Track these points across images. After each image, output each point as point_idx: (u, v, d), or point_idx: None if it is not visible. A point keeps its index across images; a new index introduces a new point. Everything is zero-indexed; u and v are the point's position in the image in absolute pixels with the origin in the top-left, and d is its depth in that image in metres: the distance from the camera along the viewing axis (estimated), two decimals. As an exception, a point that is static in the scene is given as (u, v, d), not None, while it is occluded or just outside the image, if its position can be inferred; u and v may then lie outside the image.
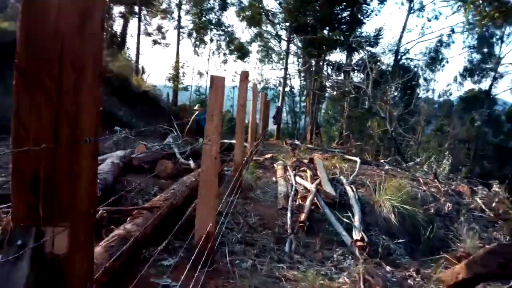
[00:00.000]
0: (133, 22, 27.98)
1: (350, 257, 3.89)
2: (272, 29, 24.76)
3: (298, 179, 6.15)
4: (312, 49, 15.77)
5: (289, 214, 4.68)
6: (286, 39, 18.97)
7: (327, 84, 21.49)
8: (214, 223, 3.07)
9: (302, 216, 4.60)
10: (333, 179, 6.33)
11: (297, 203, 5.17)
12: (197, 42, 27.54)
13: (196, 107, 17.36)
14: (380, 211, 5.05)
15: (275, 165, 7.39)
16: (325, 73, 19.58)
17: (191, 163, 6.06)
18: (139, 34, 20.38)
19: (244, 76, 5.05)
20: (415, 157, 12.20)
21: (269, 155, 8.83)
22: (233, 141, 9.79)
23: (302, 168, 6.95)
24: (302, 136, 22.33)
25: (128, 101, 15.42)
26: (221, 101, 3.08)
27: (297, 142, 12.98)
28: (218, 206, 3.61)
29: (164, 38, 27.01)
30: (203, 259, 2.75)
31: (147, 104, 17.72)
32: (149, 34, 26.72)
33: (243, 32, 44.57)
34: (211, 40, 30.46)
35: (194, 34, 26.94)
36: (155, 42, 27.18)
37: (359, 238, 4.13)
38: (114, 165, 5.20)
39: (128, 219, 3.21)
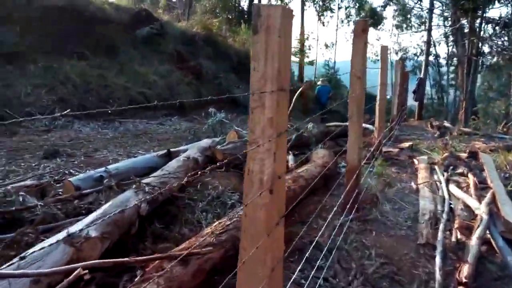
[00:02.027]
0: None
1: None
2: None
3: (453, 188, 3.98)
4: (466, 1, 12.04)
5: (438, 260, 2.73)
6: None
7: (486, 47, 16.97)
8: None
9: (464, 270, 2.58)
10: (516, 191, 3.95)
11: (453, 236, 3.11)
12: (323, 11, 25.16)
13: (319, 82, 15.53)
14: None
15: (415, 160, 5.24)
16: (484, 34, 15.25)
17: (290, 158, 4.44)
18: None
19: (361, 29, 3.15)
20: None
21: (407, 144, 6.61)
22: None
23: (460, 170, 4.66)
24: (451, 115, 18.43)
25: (245, 78, 14.49)
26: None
27: (446, 123, 10.09)
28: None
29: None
30: None
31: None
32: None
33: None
34: (339, 8, 27.78)
35: (320, 2, 24.64)
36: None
37: None
38: (189, 162, 3.96)
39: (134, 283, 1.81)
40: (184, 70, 11.17)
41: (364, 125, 7.68)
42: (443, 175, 4.47)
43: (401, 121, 10.93)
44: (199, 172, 1.64)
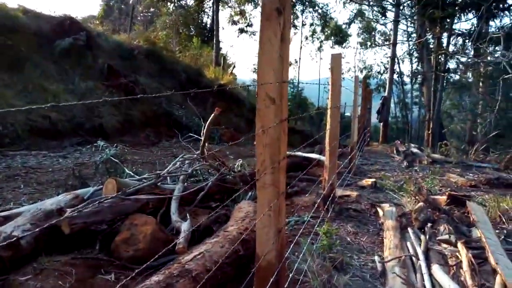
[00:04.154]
0: (223, 13, 25.97)
1: None
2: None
3: (438, 272, 2.53)
4: (434, 10, 11.12)
5: None
6: (393, 4, 14.35)
7: (452, 64, 16.28)
8: None
9: None
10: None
11: None
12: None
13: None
14: None
15: (380, 211, 3.81)
16: (454, 47, 14.48)
17: (185, 225, 2.86)
18: (217, 18, 17.77)
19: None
20: None
21: (369, 181, 5.21)
22: (311, 155, 6.37)
23: (441, 228, 3.24)
24: (416, 134, 17.57)
25: (196, 97, 12.91)
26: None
27: (413, 148, 8.89)
28: None
29: (250, 25, 24.40)
30: None
31: (222, 100, 15.05)
32: (235, 22, 24.40)
33: (340, 13, 40.14)
34: (303, 25, 27.02)
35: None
36: (241, 30, 24.75)
37: None
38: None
39: None
40: (114, 88, 9.45)
41: (312, 155, 6.28)
42: (420, 241, 3.05)
43: (364, 146, 9.67)
44: None
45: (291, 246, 2.75)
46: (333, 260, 2.69)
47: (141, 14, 28.49)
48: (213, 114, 3.34)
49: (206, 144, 3.99)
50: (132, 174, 3.67)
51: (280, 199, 1.88)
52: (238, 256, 2.47)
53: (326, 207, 3.80)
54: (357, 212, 3.90)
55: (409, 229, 3.25)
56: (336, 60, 3.80)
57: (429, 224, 3.37)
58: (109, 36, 12.04)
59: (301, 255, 2.59)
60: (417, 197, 3.98)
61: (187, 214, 2.89)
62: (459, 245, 2.82)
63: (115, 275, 2.31)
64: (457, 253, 2.81)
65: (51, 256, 2.36)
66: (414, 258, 2.77)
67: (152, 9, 26.68)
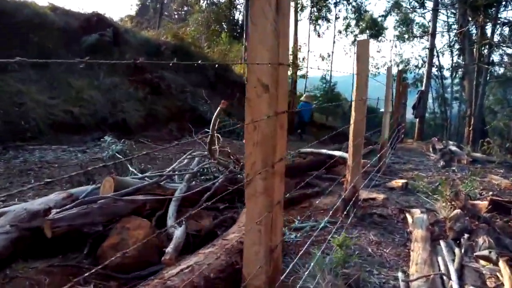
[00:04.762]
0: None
1: None
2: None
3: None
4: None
5: None
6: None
7: (495, 56, 15.08)
8: None
9: None
10: None
11: None
12: (317, 19, 23.51)
13: (303, 98, 13.72)
14: None
15: (408, 217, 3.38)
16: (498, 38, 13.36)
17: (178, 233, 2.57)
18: (247, 13, 17.45)
19: None
20: None
21: (400, 182, 4.74)
22: (335, 152, 5.93)
23: (480, 241, 2.78)
24: (455, 131, 16.49)
25: (224, 92, 12.68)
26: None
27: (451, 146, 8.20)
28: None
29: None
30: None
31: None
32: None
33: (376, 5, 38.83)
34: (337, 18, 26.17)
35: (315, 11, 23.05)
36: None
37: None
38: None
39: None
40: (139, 83, 9.38)
41: (336, 152, 5.84)
42: (453, 255, 2.61)
43: (397, 143, 9.07)
44: None
45: (301, 256, 2.41)
46: (347, 277, 2.32)
47: (175, 13, 28.76)
48: (219, 108, 3.04)
49: (216, 140, 3.70)
50: (136, 172, 3.43)
51: (275, 211, 1.54)
52: (235, 270, 2.15)
53: (346, 211, 3.41)
54: (383, 217, 3.47)
55: (441, 242, 2.80)
56: (363, 47, 3.39)
57: (465, 235, 2.91)
58: (137, 32, 12.04)
59: (309, 269, 2.24)
60: (453, 203, 3.50)
61: (183, 219, 2.61)
62: (501, 263, 2.37)
63: (95, 286, 2.06)
64: (498, 273, 2.35)
65: (27, 262, 2.14)
66: (445, 277, 2.34)
67: (186, 8, 26.84)
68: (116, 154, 3.64)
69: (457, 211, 3.23)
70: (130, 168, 3.48)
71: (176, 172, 3.35)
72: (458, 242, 2.91)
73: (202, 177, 3.90)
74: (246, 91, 1.50)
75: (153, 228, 2.65)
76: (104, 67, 9.18)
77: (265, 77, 1.46)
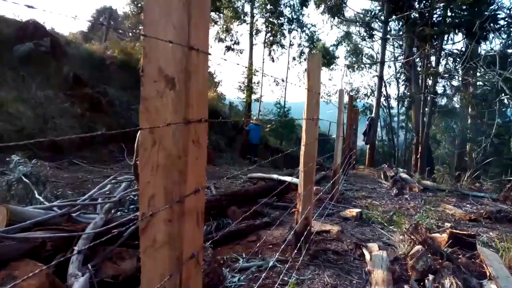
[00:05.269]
0: (210, 31, 25.70)
1: None
2: (360, 19, 19.98)
3: None
4: (424, 27, 10.56)
5: None
6: (381, 21, 13.79)
7: (439, 87, 15.80)
8: None
9: None
10: None
11: None
12: (273, 45, 23.83)
13: (252, 120, 13.47)
14: None
15: (366, 254, 2.99)
16: (442, 68, 13.98)
17: (80, 282, 1.99)
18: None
19: None
20: None
21: (354, 212, 4.41)
22: (286, 178, 5.54)
23: (446, 283, 2.43)
24: (403, 158, 16.94)
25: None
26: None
27: (402, 173, 8.15)
28: None
29: (237, 43, 23.90)
30: None
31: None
32: (221, 40, 23.89)
33: (328, 35, 40.43)
34: (291, 45, 26.69)
35: (269, 36, 23.35)
36: (228, 48, 24.22)
37: None
38: None
39: None
40: (77, 98, 8.56)
41: (287, 178, 5.46)
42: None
43: (349, 169, 8.92)
44: None
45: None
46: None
47: (129, 31, 27.87)
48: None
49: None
50: (42, 199, 2.79)
51: (187, 269, 1.03)
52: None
53: (298, 247, 2.97)
54: (338, 254, 3.06)
55: (405, 286, 2.42)
56: (313, 61, 3.05)
57: (430, 276, 2.56)
58: (80, 45, 11.21)
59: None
60: (412, 237, 3.18)
61: (89, 265, 2.02)
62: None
63: None
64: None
65: None
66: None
67: (141, 26, 26.09)
68: (22, 177, 2.97)
69: (418, 247, 2.90)
70: (36, 195, 2.82)
71: (94, 201, 2.74)
72: (422, 283, 2.56)
73: (132, 206, 3.31)
74: (142, 87, 1.02)
75: (51, 277, 2.04)
76: (37, 79, 8.29)
77: (170, 67, 0.97)
